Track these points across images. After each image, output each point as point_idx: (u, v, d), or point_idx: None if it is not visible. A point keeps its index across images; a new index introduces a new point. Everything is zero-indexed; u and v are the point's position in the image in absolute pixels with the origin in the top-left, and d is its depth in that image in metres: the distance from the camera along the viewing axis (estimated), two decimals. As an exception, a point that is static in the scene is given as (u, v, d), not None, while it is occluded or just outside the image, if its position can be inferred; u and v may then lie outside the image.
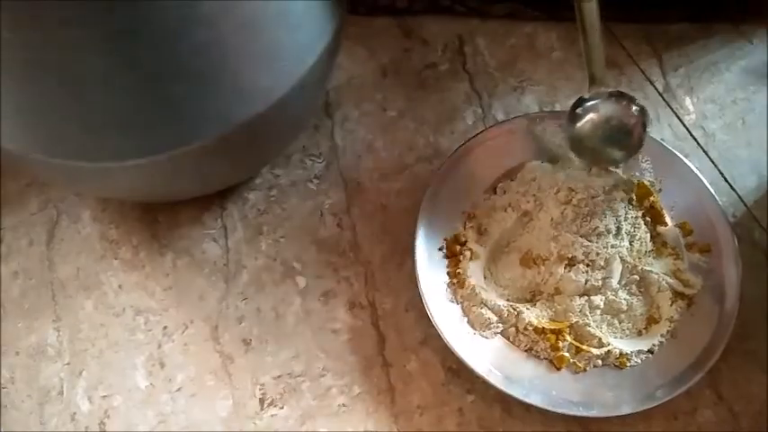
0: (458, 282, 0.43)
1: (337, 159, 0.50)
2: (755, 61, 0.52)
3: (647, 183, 0.45)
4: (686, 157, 0.48)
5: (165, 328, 0.45)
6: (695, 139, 0.49)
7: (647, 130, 0.44)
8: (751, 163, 0.48)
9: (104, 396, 0.43)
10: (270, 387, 0.43)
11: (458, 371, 0.43)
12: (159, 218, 0.48)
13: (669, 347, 0.41)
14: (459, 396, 0.42)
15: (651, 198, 0.45)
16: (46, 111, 0.33)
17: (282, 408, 0.43)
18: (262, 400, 0.43)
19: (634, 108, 0.44)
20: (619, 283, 0.42)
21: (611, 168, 0.45)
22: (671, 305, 0.42)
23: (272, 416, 0.42)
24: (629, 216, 0.44)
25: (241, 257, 0.47)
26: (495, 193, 0.46)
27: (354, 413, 0.42)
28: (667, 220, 0.45)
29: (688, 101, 0.51)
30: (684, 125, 0.50)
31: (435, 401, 0.42)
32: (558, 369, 0.41)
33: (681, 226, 0.45)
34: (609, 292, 0.42)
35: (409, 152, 0.50)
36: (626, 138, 0.44)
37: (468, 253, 0.44)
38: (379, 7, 0.54)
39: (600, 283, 0.42)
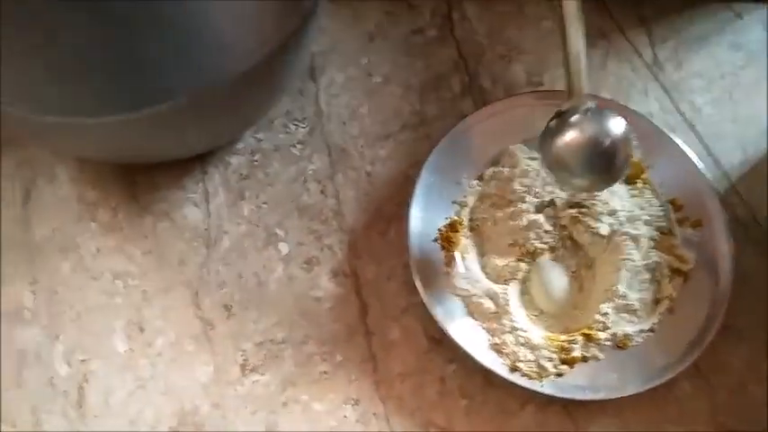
0: (453, 272, 0.43)
1: (322, 125, 0.49)
2: (744, 37, 0.52)
3: (637, 160, 0.45)
4: (673, 131, 0.48)
5: (145, 292, 0.44)
6: (682, 114, 0.49)
7: (632, 152, 0.40)
8: (736, 138, 0.48)
9: (82, 360, 0.43)
10: (251, 353, 0.43)
11: (440, 340, 0.43)
12: (138, 180, 0.47)
13: (669, 324, 0.41)
14: (441, 365, 0.42)
15: (643, 176, 0.45)
16: (19, 64, 0.32)
17: (264, 374, 0.42)
18: (243, 367, 0.42)
19: (620, 127, 0.38)
20: (628, 287, 0.42)
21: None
22: (669, 282, 0.42)
23: (253, 382, 0.42)
24: (629, 200, 0.44)
25: (222, 222, 0.46)
26: (483, 179, 0.45)
27: (336, 380, 0.42)
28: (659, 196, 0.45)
29: (676, 74, 0.51)
30: (671, 98, 0.50)
31: (417, 370, 0.42)
32: (571, 368, 0.40)
33: (671, 201, 0.44)
34: (617, 299, 0.41)
35: (395, 119, 0.49)
36: (609, 163, 0.38)
37: (462, 243, 0.44)
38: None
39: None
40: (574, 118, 0.38)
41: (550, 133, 0.39)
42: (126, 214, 0.46)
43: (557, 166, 0.39)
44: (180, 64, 0.33)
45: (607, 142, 0.38)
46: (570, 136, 0.38)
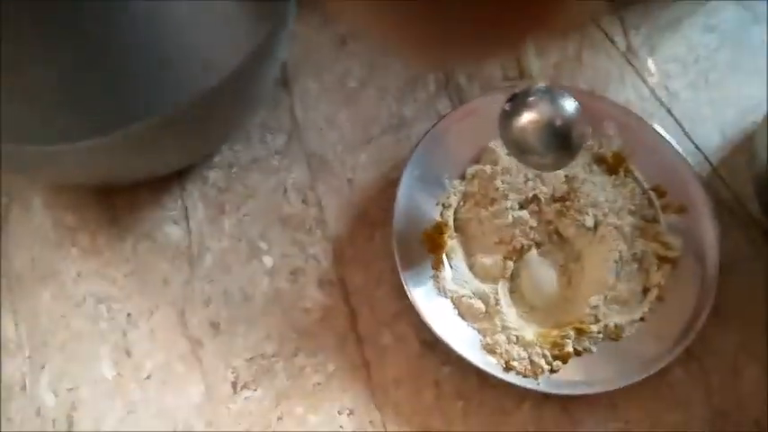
0: (441, 274, 0.42)
1: (299, 133, 0.48)
2: (716, 18, 0.52)
3: (617, 150, 0.45)
4: (651, 117, 0.48)
5: (129, 315, 0.43)
6: (659, 100, 0.49)
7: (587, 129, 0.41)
8: (715, 121, 0.49)
9: (70, 389, 0.42)
10: (242, 370, 0.42)
11: (432, 343, 0.42)
12: (117, 202, 0.46)
13: (659, 313, 0.41)
14: (435, 368, 0.42)
15: (624, 165, 0.45)
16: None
17: (256, 390, 0.42)
18: (234, 384, 0.42)
19: (573, 105, 0.39)
20: (616, 277, 0.42)
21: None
22: (657, 270, 0.42)
23: (245, 399, 0.41)
24: (612, 190, 0.44)
25: (204, 239, 0.45)
26: (465, 178, 0.45)
27: (330, 390, 0.42)
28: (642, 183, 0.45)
29: (650, 60, 0.51)
30: (648, 85, 0.50)
31: (411, 374, 0.42)
32: (565, 363, 0.40)
33: (654, 189, 0.44)
34: (606, 291, 0.41)
35: (373, 123, 0.49)
36: (568, 139, 0.39)
37: (449, 244, 0.43)
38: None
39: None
40: (531, 99, 0.39)
41: (506, 116, 0.39)
42: (106, 237, 0.45)
43: (516, 148, 0.40)
44: (150, 84, 0.33)
45: (560, 121, 0.38)
46: (526, 117, 0.38)
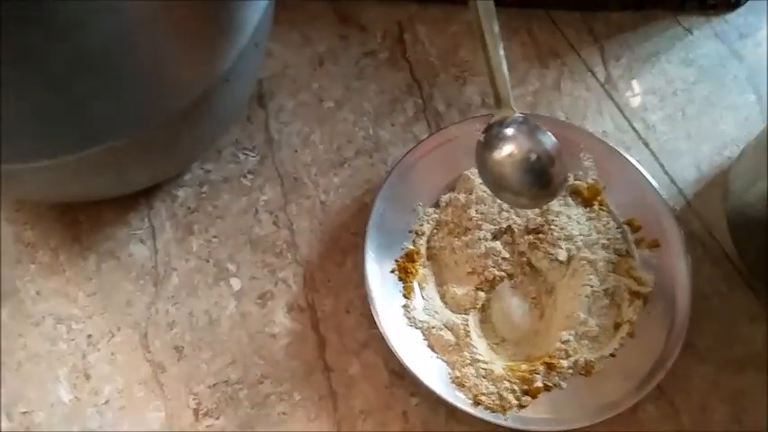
0: (412, 303, 0.42)
1: (272, 153, 0.47)
2: (695, 52, 0.52)
3: (592, 182, 0.45)
4: (627, 149, 0.47)
5: (90, 336, 0.42)
6: (636, 132, 0.49)
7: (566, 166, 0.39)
8: (691, 155, 0.48)
9: (24, 412, 0.40)
10: (205, 397, 0.41)
11: (401, 373, 0.41)
12: (80, 218, 0.45)
13: (630, 349, 0.41)
14: (404, 399, 0.41)
15: (599, 197, 0.44)
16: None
17: (219, 418, 0.40)
18: (196, 411, 0.41)
19: (551, 140, 0.38)
20: (588, 313, 0.41)
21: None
22: (629, 306, 0.42)
23: (207, 427, 0.40)
24: (586, 223, 0.43)
25: (171, 259, 0.44)
26: (439, 206, 0.44)
27: (295, 421, 0.41)
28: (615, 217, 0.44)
29: (629, 92, 0.51)
30: (625, 117, 0.50)
31: (379, 405, 0.41)
32: (534, 398, 0.39)
33: (629, 223, 0.44)
34: (577, 326, 0.41)
35: (348, 145, 0.48)
36: (547, 178, 0.38)
37: (420, 272, 0.43)
38: (313, -11, 0.52)
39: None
40: (506, 131, 0.38)
41: (483, 148, 0.39)
42: (68, 255, 0.44)
43: (493, 183, 0.39)
44: (115, 104, 0.31)
45: (542, 156, 0.38)
46: (510, 149, 0.38)
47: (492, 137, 0.39)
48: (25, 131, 0.31)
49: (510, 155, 0.38)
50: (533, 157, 0.38)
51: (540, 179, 0.39)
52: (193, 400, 0.41)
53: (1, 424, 0.40)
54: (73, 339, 0.42)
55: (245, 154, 0.47)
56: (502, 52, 0.37)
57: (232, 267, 0.44)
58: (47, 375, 0.41)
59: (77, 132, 0.31)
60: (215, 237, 0.45)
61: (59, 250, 0.44)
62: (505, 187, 0.39)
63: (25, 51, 0.28)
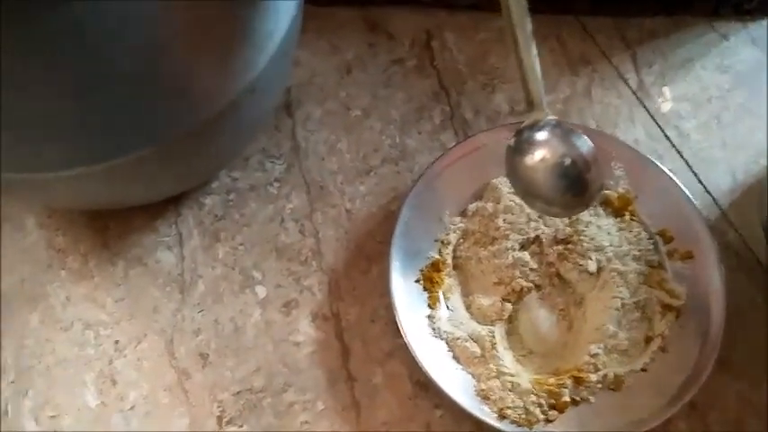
0: (437, 314, 0.41)
1: (299, 161, 0.47)
2: (730, 59, 0.51)
3: (623, 191, 0.44)
4: (660, 158, 0.46)
5: (117, 342, 0.42)
6: (669, 140, 0.48)
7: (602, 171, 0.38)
8: (725, 164, 0.47)
9: (52, 416, 0.41)
10: (228, 404, 0.41)
11: (425, 384, 0.41)
12: (110, 225, 0.45)
13: (661, 363, 0.40)
14: (427, 410, 0.41)
15: (630, 207, 0.43)
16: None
17: (242, 426, 0.40)
18: (220, 418, 0.41)
19: (587, 145, 0.36)
20: (618, 326, 0.40)
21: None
22: (661, 320, 0.41)
23: (231, 434, 0.40)
24: (617, 234, 0.43)
25: (197, 266, 0.44)
26: (466, 215, 0.44)
27: (318, 430, 0.40)
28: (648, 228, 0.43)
29: (662, 99, 0.49)
30: (658, 125, 0.49)
31: (402, 417, 0.41)
32: (561, 413, 0.38)
33: (661, 233, 0.43)
34: (607, 339, 0.40)
35: (374, 153, 0.48)
36: (583, 185, 0.36)
37: (446, 282, 0.42)
38: (341, -4, 0.52)
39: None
40: (539, 135, 0.36)
41: (514, 153, 0.37)
42: (97, 261, 0.44)
43: (525, 191, 0.38)
44: (144, 114, 0.32)
45: (577, 161, 0.36)
46: (537, 156, 0.36)
47: (523, 141, 0.37)
48: (55, 141, 0.31)
49: (542, 159, 0.36)
50: (567, 161, 0.36)
51: (575, 185, 0.36)
52: (217, 407, 0.41)
53: (28, 427, 0.40)
54: (100, 345, 0.42)
55: (271, 162, 0.47)
56: (535, 52, 0.35)
57: (257, 275, 0.44)
58: (74, 380, 0.42)
59: (106, 142, 0.32)
60: (241, 244, 0.45)
61: (89, 256, 0.44)
62: (537, 194, 0.37)
63: (56, 62, 0.29)
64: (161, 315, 0.43)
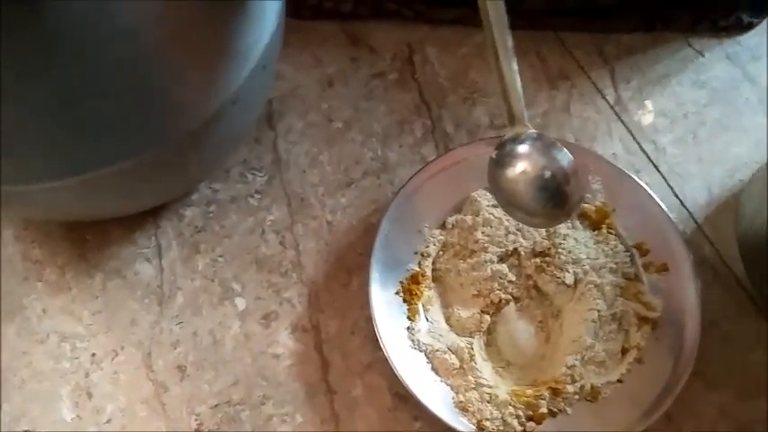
0: (416, 326, 0.41)
1: (280, 173, 0.48)
2: (706, 74, 0.51)
3: (601, 204, 0.44)
4: (637, 172, 0.47)
5: (94, 355, 0.42)
6: (646, 154, 0.49)
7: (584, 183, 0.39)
8: (701, 178, 0.48)
9: (27, 430, 0.40)
10: (206, 417, 0.41)
11: (405, 396, 0.41)
12: (87, 236, 0.45)
13: (637, 375, 0.40)
14: (407, 422, 0.41)
15: (608, 220, 0.44)
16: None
17: (220, 439, 0.40)
18: (198, 431, 0.40)
19: (567, 158, 0.37)
20: (595, 337, 0.40)
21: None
22: (637, 331, 0.41)
23: (208, 448, 0.40)
24: (594, 246, 0.43)
25: (176, 278, 0.44)
26: (445, 228, 0.44)
27: (296, 443, 0.40)
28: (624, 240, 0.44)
29: (639, 114, 0.50)
30: (635, 139, 0.49)
31: (381, 429, 0.41)
32: (539, 424, 0.39)
33: (637, 246, 0.43)
34: (584, 351, 0.40)
35: (356, 166, 0.48)
36: (563, 196, 0.37)
37: (425, 294, 0.42)
38: (323, 11, 0.52)
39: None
40: (520, 148, 0.37)
41: (496, 165, 0.38)
42: (74, 273, 0.44)
43: (507, 202, 0.38)
44: (124, 126, 0.32)
45: (557, 174, 0.37)
46: (519, 168, 0.37)
47: (505, 154, 0.38)
48: (34, 152, 0.31)
49: (523, 172, 0.37)
50: (548, 174, 0.37)
51: (555, 197, 0.37)
52: (195, 420, 0.41)
53: (4, 441, 0.40)
54: (77, 358, 0.42)
55: (252, 174, 0.47)
56: (515, 67, 0.36)
57: (237, 287, 0.44)
58: (50, 393, 0.41)
59: (86, 154, 0.32)
60: (221, 256, 0.45)
61: (66, 268, 0.44)
62: (519, 206, 0.38)
63: (38, 73, 0.29)
64: (139, 327, 0.43)
